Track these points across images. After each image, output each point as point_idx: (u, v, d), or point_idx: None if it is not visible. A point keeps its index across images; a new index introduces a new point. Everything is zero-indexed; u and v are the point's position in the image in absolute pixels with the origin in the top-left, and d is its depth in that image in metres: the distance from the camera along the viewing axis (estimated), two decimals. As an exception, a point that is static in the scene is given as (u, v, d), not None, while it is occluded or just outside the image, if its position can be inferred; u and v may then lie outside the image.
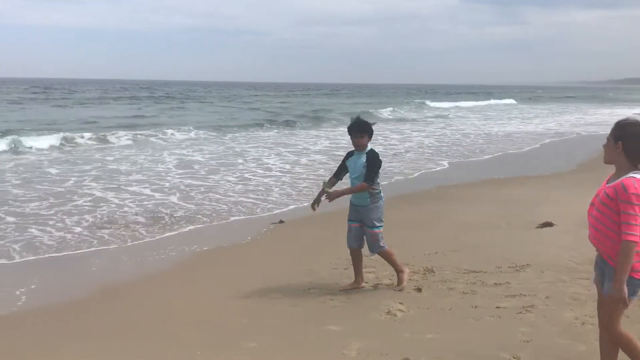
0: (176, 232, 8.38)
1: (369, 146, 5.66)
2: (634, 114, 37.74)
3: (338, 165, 5.93)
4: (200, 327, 4.94)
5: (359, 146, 5.63)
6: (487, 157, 17.28)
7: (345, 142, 17.28)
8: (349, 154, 5.79)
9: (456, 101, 59.26)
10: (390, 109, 43.36)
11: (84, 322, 5.18)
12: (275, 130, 26.63)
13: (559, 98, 79.65)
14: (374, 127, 5.74)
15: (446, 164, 15.70)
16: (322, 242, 7.73)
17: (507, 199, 10.24)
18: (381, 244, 5.71)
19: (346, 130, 5.87)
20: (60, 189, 11.14)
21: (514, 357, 4.10)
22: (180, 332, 4.84)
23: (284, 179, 12.93)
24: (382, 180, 5.90)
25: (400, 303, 5.28)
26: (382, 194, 5.71)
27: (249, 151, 18.10)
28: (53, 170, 13.60)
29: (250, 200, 10.64)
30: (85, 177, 12.59)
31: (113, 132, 22.34)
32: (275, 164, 15.20)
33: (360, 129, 5.60)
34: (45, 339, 4.81)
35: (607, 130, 3.41)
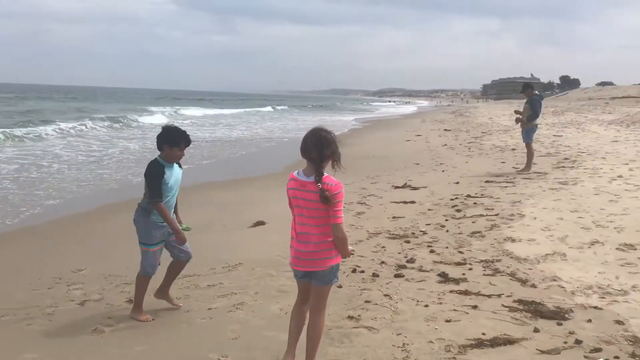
0: None
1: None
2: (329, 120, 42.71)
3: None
4: None
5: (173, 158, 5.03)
6: (206, 162, 17.59)
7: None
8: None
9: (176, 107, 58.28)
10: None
11: None
12: None
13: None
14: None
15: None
16: (19, 262, 6.88)
17: (223, 202, 10.54)
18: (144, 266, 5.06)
19: None
20: None
21: (222, 357, 4.21)
22: None
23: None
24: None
25: (109, 318, 4.99)
26: None
27: None
28: None
29: None
30: None
31: None
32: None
33: (167, 141, 4.94)
34: None
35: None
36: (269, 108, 67.44)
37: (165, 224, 4.97)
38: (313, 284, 3.81)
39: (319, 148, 3.59)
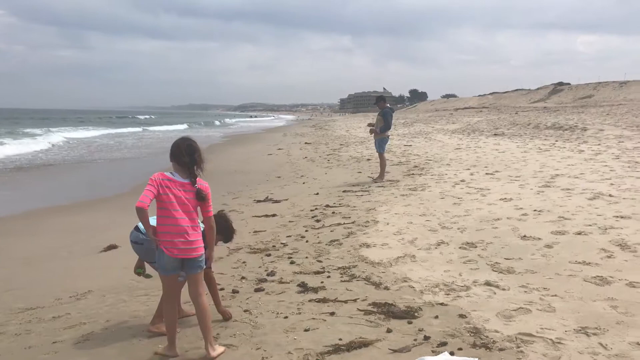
0: None
1: None
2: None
3: None
4: None
5: None
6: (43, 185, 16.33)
7: None
8: None
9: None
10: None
11: None
12: None
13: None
14: None
15: None
16: None
17: (70, 227, 9.84)
18: None
19: None
20: None
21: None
22: None
23: None
24: None
25: None
26: None
27: None
28: None
29: None
30: None
31: None
32: None
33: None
34: None
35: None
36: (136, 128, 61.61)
37: None
38: (189, 274, 4.40)
39: (190, 154, 4.28)
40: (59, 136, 40.08)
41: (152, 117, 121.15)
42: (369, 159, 18.80)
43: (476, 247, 7.07)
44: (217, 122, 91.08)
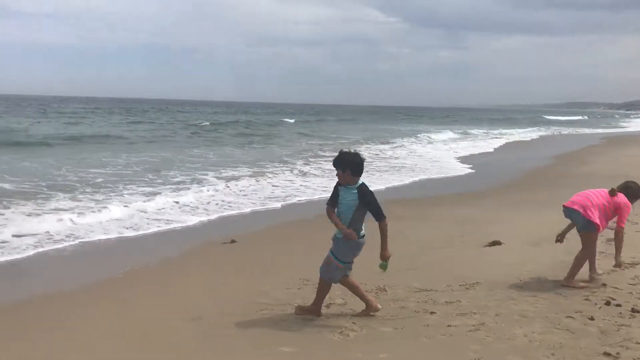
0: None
1: (360, 181, 5.25)
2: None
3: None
4: (146, 348, 4.80)
5: (340, 180, 5.29)
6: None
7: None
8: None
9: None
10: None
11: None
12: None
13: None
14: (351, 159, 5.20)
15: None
16: (274, 262, 7.67)
17: (461, 218, 10.46)
18: (328, 272, 5.37)
19: None
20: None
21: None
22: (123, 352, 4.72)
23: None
24: None
25: (353, 323, 5.25)
26: (360, 233, 5.29)
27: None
28: None
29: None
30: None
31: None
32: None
33: (334, 163, 5.28)
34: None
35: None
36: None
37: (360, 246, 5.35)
38: None
39: None
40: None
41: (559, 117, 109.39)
42: None
43: None
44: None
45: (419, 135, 40.34)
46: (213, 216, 11.13)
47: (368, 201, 5.19)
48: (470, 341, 4.78)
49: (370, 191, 5.28)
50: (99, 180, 14.93)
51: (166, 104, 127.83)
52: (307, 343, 4.86)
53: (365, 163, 5.29)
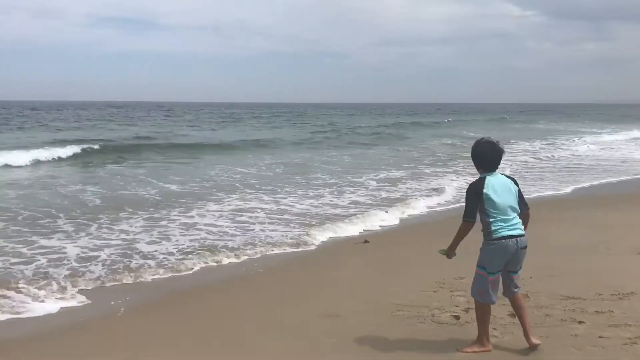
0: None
1: (486, 174, 4.61)
2: None
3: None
4: (287, 344, 5.00)
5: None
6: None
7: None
8: None
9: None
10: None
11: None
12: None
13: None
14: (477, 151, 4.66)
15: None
16: (408, 263, 7.61)
17: (604, 223, 9.68)
18: (476, 292, 4.67)
19: None
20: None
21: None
22: (265, 344, 4.97)
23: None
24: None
25: (494, 329, 5.05)
26: (496, 234, 4.51)
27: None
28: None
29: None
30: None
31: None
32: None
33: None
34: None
35: None
36: None
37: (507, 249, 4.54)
38: None
39: None
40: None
41: None
42: None
43: None
44: None
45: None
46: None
47: (466, 198, 4.65)
48: (626, 355, 4.42)
49: (468, 188, 4.64)
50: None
51: (309, 107, 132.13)
52: (442, 347, 4.77)
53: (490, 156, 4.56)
